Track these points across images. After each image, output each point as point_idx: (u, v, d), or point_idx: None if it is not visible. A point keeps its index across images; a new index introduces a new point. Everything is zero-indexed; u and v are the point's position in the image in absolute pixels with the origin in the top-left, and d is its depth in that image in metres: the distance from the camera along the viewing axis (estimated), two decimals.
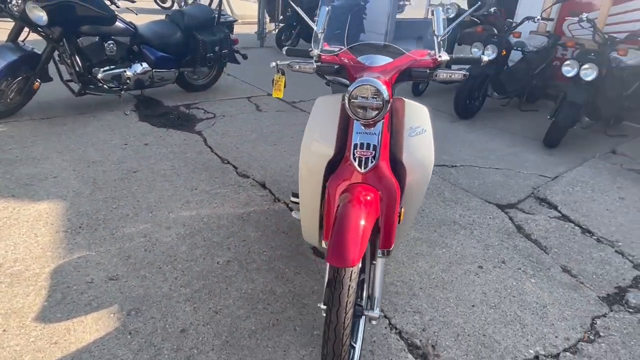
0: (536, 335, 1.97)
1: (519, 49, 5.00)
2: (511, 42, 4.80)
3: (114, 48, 4.07)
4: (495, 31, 4.68)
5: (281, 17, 7.98)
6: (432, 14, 1.62)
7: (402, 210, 1.63)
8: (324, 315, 1.60)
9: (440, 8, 1.63)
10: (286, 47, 1.77)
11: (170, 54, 4.46)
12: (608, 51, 3.99)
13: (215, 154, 3.55)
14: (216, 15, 4.76)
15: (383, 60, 1.58)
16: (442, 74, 1.57)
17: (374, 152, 1.54)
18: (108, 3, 3.95)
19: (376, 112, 1.48)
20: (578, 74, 3.98)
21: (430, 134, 1.67)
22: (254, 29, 8.38)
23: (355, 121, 1.56)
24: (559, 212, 3.07)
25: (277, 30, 7.90)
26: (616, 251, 2.66)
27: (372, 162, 1.53)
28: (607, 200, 3.25)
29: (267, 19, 8.29)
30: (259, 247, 2.44)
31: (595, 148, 4.25)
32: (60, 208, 2.64)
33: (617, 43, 4.03)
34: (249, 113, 4.58)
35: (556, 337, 1.98)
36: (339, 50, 1.66)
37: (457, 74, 1.57)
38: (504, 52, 4.61)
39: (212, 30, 4.72)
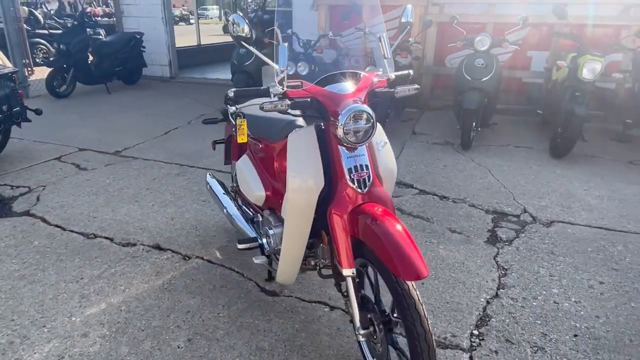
0: (476, 287, 2.41)
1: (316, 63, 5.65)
2: (314, 58, 5.39)
3: None
4: (302, 49, 5.19)
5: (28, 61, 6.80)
6: (380, 40, 1.79)
7: None
8: (363, 339, 1.62)
9: (385, 34, 1.81)
10: (234, 90, 1.67)
11: None
12: (394, 55, 4.95)
13: (72, 231, 2.90)
14: None
15: (348, 86, 1.66)
16: (402, 91, 1.77)
17: (367, 171, 1.63)
18: None
19: (363, 134, 1.58)
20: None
21: (389, 144, 1.85)
22: None
23: (340, 147, 1.62)
24: (417, 188, 3.71)
25: (30, 75, 6.72)
26: (469, 205, 3.41)
27: (369, 180, 1.62)
28: (438, 170, 4.09)
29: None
30: (209, 312, 2.17)
31: (402, 133, 5.22)
32: None
33: (397, 48, 5.03)
34: (74, 175, 3.85)
35: (486, 282, 2.46)
36: (302, 85, 1.66)
37: (412, 88, 1.80)
38: (314, 67, 5.15)
39: None
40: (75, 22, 6.86)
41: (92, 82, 7.06)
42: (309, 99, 1.62)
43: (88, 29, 7.12)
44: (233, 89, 1.67)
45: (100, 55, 6.98)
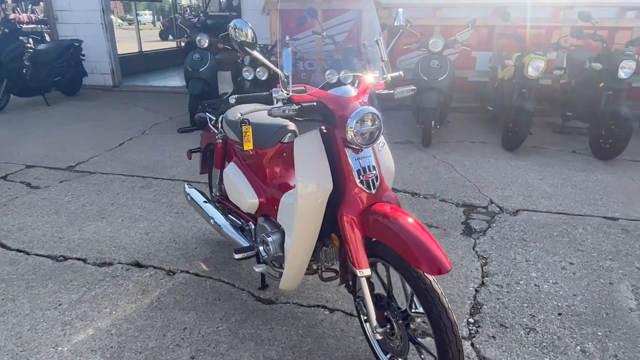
0: (463, 277, 2.52)
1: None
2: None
3: None
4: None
5: None
6: (377, 43, 1.82)
7: None
8: (379, 338, 1.64)
9: (381, 38, 1.84)
10: (235, 96, 1.63)
11: None
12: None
13: (38, 255, 2.68)
14: None
15: (350, 89, 1.68)
16: (400, 92, 1.82)
17: (375, 172, 1.66)
18: None
19: (369, 136, 1.61)
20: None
21: (387, 145, 1.90)
22: None
23: (346, 149, 1.63)
24: None
25: None
26: (440, 200, 3.56)
27: (377, 181, 1.65)
28: (404, 168, 4.21)
29: None
30: (208, 326, 2.10)
31: None
32: None
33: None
34: (26, 194, 3.56)
35: (471, 271, 2.58)
36: (306, 89, 1.65)
37: (409, 89, 1.85)
38: (272, 71, 5.12)
39: None
40: (6, 30, 6.32)
41: (28, 93, 6.55)
42: (315, 103, 1.62)
43: (21, 37, 6.61)
44: (235, 95, 1.63)
45: (36, 65, 6.49)
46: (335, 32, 6.61)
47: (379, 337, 1.64)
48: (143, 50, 10.83)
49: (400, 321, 1.60)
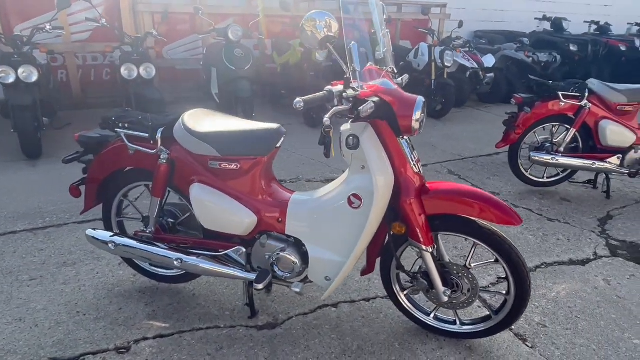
0: None
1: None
2: (36, 58, 4.09)
3: None
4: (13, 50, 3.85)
5: None
6: (387, 36, 1.82)
7: None
8: (445, 300, 1.85)
9: (388, 31, 1.83)
10: (303, 99, 1.39)
11: None
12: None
13: None
14: None
15: (388, 81, 1.68)
16: (405, 81, 1.91)
17: (417, 156, 1.78)
18: None
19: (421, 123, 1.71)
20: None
21: None
22: None
23: (399, 139, 1.68)
24: None
25: None
26: (306, 181, 3.77)
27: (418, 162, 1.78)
28: None
29: None
30: None
31: None
32: None
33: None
34: None
35: None
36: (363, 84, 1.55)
37: (406, 78, 1.95)
38: (40, 70, 3.93)
39: None
40: None
41: None
42: (377, 98, 1.58)
43: None
44: (302, 98, 1.40)
45: None
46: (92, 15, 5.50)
47: (445, 299, 1.84)
48: None
49: (471, 277, 1.83)
